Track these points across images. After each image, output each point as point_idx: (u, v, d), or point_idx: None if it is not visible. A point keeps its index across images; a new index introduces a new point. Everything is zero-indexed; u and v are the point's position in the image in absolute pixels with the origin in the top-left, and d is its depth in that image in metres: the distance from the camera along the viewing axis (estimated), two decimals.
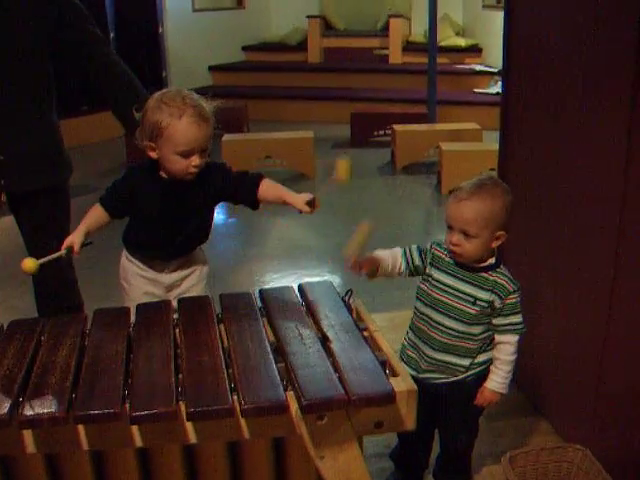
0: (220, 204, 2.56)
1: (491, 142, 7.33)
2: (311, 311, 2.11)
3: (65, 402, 1.71)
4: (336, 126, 8.74)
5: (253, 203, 2.46)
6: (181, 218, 2.45)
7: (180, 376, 1.82)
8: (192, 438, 1.77)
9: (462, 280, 2.26)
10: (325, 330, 1.97)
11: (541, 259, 2.96)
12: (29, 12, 2.77)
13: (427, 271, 2.32)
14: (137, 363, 1.88)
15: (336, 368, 1.80)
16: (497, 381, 2.32)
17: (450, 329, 2.28)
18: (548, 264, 2.91)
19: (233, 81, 10.46)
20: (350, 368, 1.79)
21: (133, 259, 2.56)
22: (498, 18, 9.32)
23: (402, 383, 1.77)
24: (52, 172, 2.98)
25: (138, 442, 1.77)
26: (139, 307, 2.20)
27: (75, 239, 2.31)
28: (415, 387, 1.79)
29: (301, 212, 2.33)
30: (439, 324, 2.29)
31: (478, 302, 2.25)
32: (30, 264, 2.21)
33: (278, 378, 1.76)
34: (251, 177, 2.46)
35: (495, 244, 2.23)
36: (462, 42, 10.19)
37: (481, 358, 2.34)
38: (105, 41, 3.03)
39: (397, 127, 7.33)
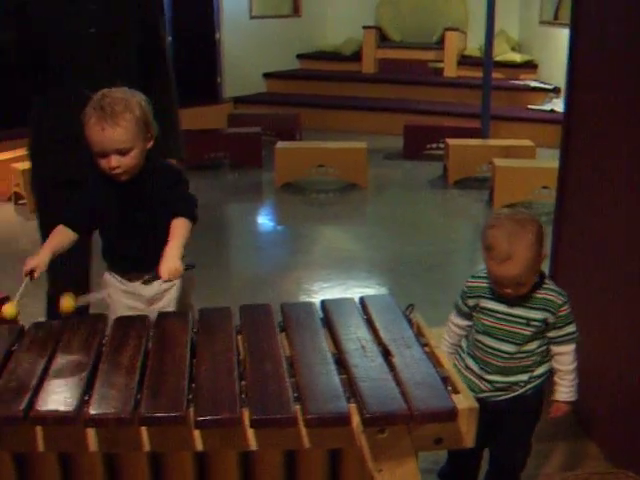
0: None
1: (544, 159, 7.30)
2: (372, 324, 2.12)
3: (131, 403, 1.74)
4: (388, 137, 8.74)
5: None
6: (140, 220, 2.42)
7: (243, 383, 1.83)
8: (252, 445, 1.79)
9: (513, 305, 2.28)
10: (387, 344, 1.97)
11: (596, 275, 2.96)
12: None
13: (472, 304, 2.36)
14: (200, 368, 1.90)
15: (398, 382, 1.80)
16: (564, 391, 2.36)
17: (505, 352, 2.30)
18: (603, 280, 2.91)
19: (287, 89, 10.50)
20: (413, 383, 1.79)
21: (113, 273, 2.55)
22: (555, 34, 9.35)
23: (464, 400, 1.78)
24: None
25: (199, 446, 1.79)
26: (202, 312, 2.22)
27: (37, 263, 2.26)
28: (476, 405, 1.80)
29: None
30: (494, 349, 2.31)
31: (532, 323, 2.27)
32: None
33: (341, 389, 1.77)
34: (179, 206, 2.40)
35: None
36: (517, 57, 10.11)
37: (540, 370, 2.36)
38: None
39: (451, 141, 7.31)
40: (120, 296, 2.51)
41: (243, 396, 1.76)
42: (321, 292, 4.73)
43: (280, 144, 7.32)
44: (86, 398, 1.78)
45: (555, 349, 2.34)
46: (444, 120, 8.65)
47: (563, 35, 8.98)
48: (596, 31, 3.02)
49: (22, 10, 2.82)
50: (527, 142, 7.28)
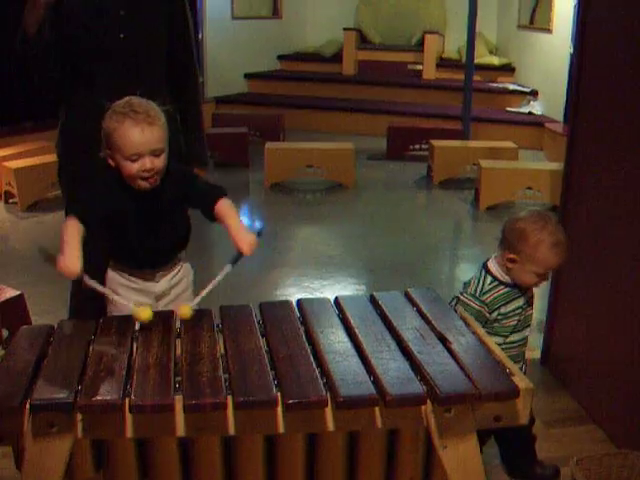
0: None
1: (527, 161, 7.53)
2: (423, 315, 2.29)
3: (223, 389, 1.86)
4: (369, 138, 8.91)
5: (210, 218, 2.50)
6: (155, 225, 2.48)
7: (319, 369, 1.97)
8: (331, 426, 1.92)
9: (525, 292, 2.53)
10: (443, 332, 2.15)
11: (599, 285, 3.15)
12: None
13: (495, 315, 2.51)
14: (278, 356, 2.04)
15: (461, 366, 1.97)
16: None
17: (525, 337, 2.61)
18: (604, 289, 3.11)
19: (268, 89, 10.65)
20: (474, 366, 1.96)
21: (119, 270, 2.58)
22: (532, 38, 9.58)
23: (521, 382, 1.95)
24: None
25: (280, 428, 1.92)
26: (263, 306, 2.37)
27: (73, 266, 2.19)
28: (532, 385, 1.98)
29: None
30: (521, 340, 2.58)
31: (532, 298, 2.56)
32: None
33: (413, 373, 1.94)
34: (212, 192, 2.49)
35: None
36: (495, 61, 10.35)
37: None
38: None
39: (435, 142, 7.48)
40: (127, 293, 2.54)
41: (324, 380, 1.91)
42: (323, 290, 4.87)
43: (269, 144, 7.42)
44: (177, 387, 1.90)
45: None
46: (425, 122, 8.83)
47: (540, 39, 9.28)
48: (600, 44, 3.18)
49: (57, 13, 2.87)
50: (509, 144, 7.49)
